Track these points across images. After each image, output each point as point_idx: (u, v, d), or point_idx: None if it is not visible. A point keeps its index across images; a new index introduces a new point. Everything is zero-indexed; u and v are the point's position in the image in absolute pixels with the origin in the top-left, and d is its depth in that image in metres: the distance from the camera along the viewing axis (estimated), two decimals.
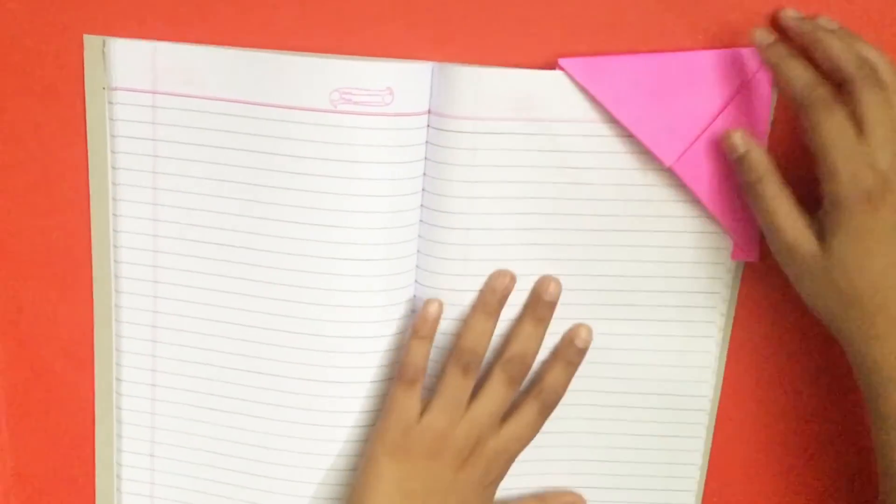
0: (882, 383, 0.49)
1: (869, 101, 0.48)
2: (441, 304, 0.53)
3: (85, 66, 0.52)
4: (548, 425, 0.56)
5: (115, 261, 0.55)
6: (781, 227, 0.50)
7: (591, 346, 0.56)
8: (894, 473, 0.50)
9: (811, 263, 0.49)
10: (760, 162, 0.50)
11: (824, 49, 0.49)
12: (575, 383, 0.56)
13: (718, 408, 0.59)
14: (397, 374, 0.53)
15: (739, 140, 0.50)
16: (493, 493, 0.55)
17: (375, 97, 0.50)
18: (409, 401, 0.53)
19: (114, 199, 0.54)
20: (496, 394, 0.53)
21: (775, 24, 0.52)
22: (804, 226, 0.50)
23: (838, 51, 0.49)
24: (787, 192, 0.50)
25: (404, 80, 0.50)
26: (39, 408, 0.58)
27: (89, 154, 0.54)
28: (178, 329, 0.55)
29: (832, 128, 0.48)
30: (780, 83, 0.50)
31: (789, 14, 0.51)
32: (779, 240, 0.50)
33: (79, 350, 0.57)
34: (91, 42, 0.52)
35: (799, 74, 0.49)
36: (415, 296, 0.55)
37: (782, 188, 0.50)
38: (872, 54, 0.49)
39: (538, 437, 0.56)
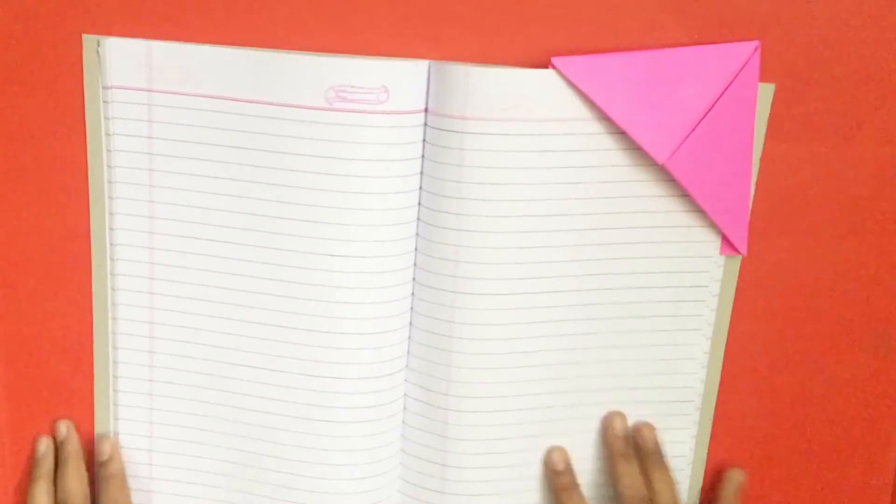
0: None
1: None
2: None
3: (84, 65, 0.52)
4: (541, 427, 0.58)
5: (112, 258, 0.55)
6: None
7: (580, 343, 0.57)
8: None
9: None
10: (573, 477, 0.58)
11: (613, 479, 0.58)
12: (564, 381, 0.57)
13: (717, 400, 0.60)
14: None
15: (558, 458, 0.58)
16: None
17: (370, 95, 0.50)
18: None
19: (110, 198, 0.54)
20: None
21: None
22: None
23: (620, 486, 0.57)
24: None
25: (399, 78, 0.50)
26: (39, 407, 0.58)
27: (88, 153, 0.54)
28: (175, 325, 0.56)
29: None
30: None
31: (614, 428, 0.58)
32: None
33: (78, 349, 0.57)
34: (90, 41, 0.52)
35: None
36: (413, 294, 0.55)
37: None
38: (660, 488, 0.57)
39: (531, 426, 0.57)
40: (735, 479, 0.60)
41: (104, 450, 0.57)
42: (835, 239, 0.57)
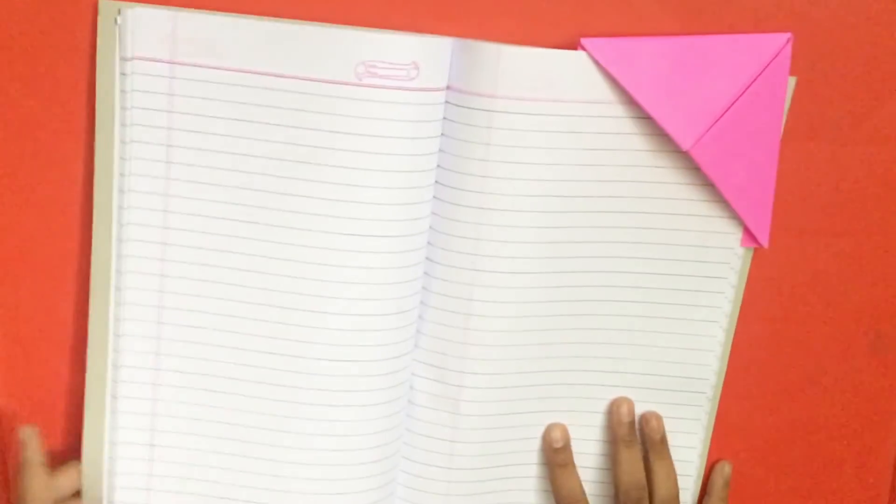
0: None
1: None
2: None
3: (98, 32, 0.50)
4: (549, 405, 0.58)
5: (120, 239, 0.53)
6: None
7: (597, 324, 0.57)
8: None
9: None
10: (570, 455, 0.58)
11: (613, 464, 0.58)
12: (578, 362, 0.57)
13: (722, 391, 0.60)
14: None
15: (557, 435, 0.58)
16: None
17: (401, 71, 0.49)
18: None
19: (121, 175, 0.52)
20: None
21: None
22: None
23: (619, 472, 0.58)
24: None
25: (429, 54, 0.50)
26: (37, 408, 0.56)
27: (97, 132, 0.52)
28: (186, 309, 0.54)
29: None
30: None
31: (620, 414, 0.58)
32: None
33: (77, 346, 0.55)
34: (106, 8, 0.50)
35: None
36: (427, 273, 0.55)
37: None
38: (660, 478, 0.58)
39: (542, 402, 0.58)
40: (724, 471, 0.61)
41: (21, 436, 0.54)
42: (836, 238, 0.58)
